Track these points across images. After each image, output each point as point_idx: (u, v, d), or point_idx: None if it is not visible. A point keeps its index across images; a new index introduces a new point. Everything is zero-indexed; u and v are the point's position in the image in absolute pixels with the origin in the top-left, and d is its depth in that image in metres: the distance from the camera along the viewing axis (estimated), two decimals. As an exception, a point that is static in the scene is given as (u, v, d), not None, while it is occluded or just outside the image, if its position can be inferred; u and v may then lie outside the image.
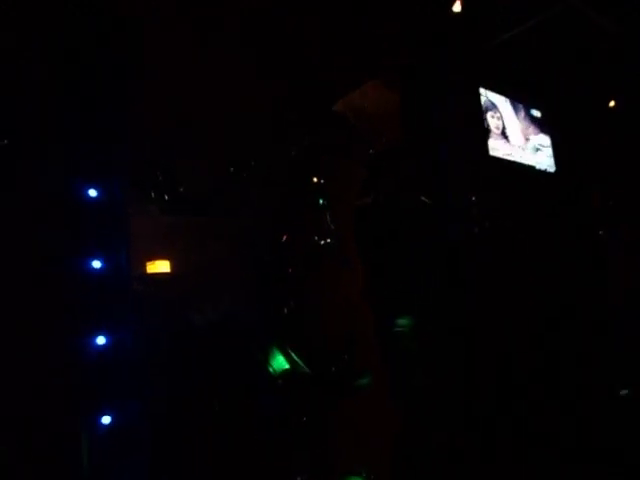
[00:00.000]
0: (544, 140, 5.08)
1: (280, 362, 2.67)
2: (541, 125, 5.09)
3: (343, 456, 2.77)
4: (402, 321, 2.38)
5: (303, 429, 2.73)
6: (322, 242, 3.35)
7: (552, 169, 5.03)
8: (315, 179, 3.63)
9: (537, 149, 4.95)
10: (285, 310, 2.86)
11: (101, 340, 2.18)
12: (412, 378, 2.31)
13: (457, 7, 3.54)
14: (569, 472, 2.71)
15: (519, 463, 2.80)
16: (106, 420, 2.14)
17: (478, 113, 4.40)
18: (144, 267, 2.85)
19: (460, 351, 3.35)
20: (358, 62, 3.51)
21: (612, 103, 5.31)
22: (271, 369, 2.64)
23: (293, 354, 2.69)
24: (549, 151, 5.08)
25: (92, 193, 2.30)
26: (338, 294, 3.51)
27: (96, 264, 2.25)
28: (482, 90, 4.46)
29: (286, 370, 2.65)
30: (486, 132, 4.39)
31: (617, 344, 4.62)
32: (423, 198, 2.57)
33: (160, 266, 2.84)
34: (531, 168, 4.80)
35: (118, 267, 2.29)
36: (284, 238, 3.07)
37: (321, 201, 3.31)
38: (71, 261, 2.18)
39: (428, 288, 2.49)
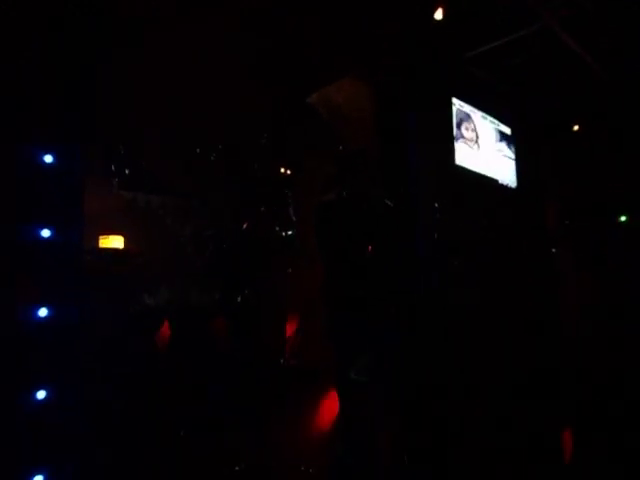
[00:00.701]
0: (509, 156, 5.20)
1: (230, 348, 2.64)
2: (508, 141, 5.21)
3: (283, 447, 2.76)
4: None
5: (247, 418, 2.71)
6: (283, 233, 3.33)
7: (514, 184, 5.16)
8: (282, 169, 3.61)
9: (502, 164, 5.07)
10: (238, 298, 2.83)
11: (43, 312, 2.09)
12: (357, 374, 2.32)
13: (439, 15, 3.56)
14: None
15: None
16: (41, 395, 2.06)
17: (449, 123, 4.47)
18: (97, 241, 2.76)
19: (413, 352, 3.41)
20: (333, 58, 3.51)
21: (576, 127, 5.49)
22: (220, 355, 2.61)
23: (243, 342, 2.66)
24: (513, 167, 5.21)
25: (47, 159, 2.20)
26: (295, 286, 3.51)
27: (45, 233, 2.16)
28: (456, 101, 4.53)
29: (234, 357, 2.62)
30: (455, 142, 4.46)
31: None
32: (386, 201, 2.58)
33: (114, 241, 2.75)
34: (494, 181, 4.91)
35: (69, 238, 2.20)
36: (245, 226, 3.03)
37: (286, 192, 3.29)
38: (18, 227, 2.09)
39: (385, 288, 2.51)
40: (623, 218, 6.16)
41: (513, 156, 5.24)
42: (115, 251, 2.76)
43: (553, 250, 5.54)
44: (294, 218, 3.23)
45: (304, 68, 3.55)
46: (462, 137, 4.52)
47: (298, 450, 2.78)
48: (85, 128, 2.36)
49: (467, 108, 4.65)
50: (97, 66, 2.37)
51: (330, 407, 2.44)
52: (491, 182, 4.85)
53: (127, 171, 2.68)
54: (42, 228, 2.15)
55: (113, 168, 2.68)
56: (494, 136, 5.00)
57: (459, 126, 4.51)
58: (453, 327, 3.98)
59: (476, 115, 4.77)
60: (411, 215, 3.40)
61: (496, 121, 5.04)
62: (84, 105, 2.30)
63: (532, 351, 3.84)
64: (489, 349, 4.00)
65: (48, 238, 2.16)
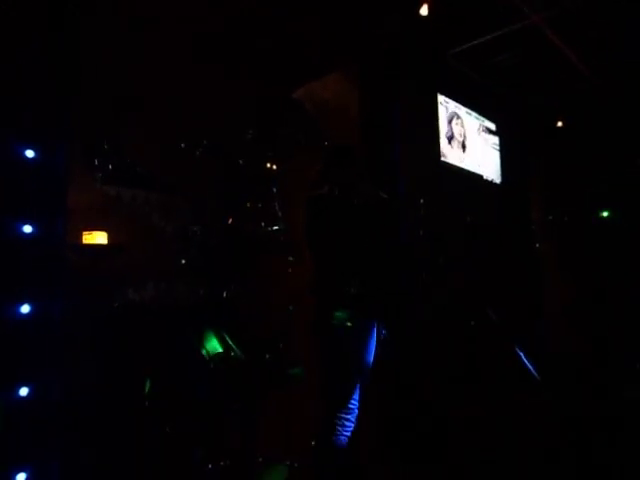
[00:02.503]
0: (494, 152, 5.25)
1: (214, 345, 2.63)
2: (493, 137, 5.26)
3: (268, 443, 2.77)
4: (340, 314, 2.39)
5: (232, 415, 2.71)
6: (269, 229, 3.33)
7: (498, 180, 5.21)
8: (268, 165, 3.60)
9: (487, 160, 5.11)
10: (224, 294, 2.82)
11: (25, 308, 2.07)
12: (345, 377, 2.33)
13: (424, 10, 3.57)
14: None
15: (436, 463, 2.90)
16: (23, 392, 2.05)
17: (434, 119, 4.49)
18: (80, 237, 2.74)
19: (397, 347, 3.43)
20: (320, 54, 3.50)
21: (560, 123, 5.55)
22: (204, 352, 2.60)
23: (228, 338, 2.66)
24: (497, 163, 5.26)
25: (29, 154, 2.18)
26: (281, 283, 3.51)
27: (27, 228, 2.13)
28: (441, 98, 4.56)
29: (219, 354, 2.62)
30: (440, 138, 4.48)
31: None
32: (381, 193, 2.57)
33: (97, 237, 2.73)
34: (479, 177, 4.95)
35: (51, 234, 2.18)
36: (230, 221, 3.02)
37: (272, 188, 3.28)
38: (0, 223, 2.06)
39: (375, 283, 2.51)
40: (605, 214, 6.25)
41: (498, 152, 5.29)
42: (99, 247, 2.74)
43: (537, 245, 5.60)
44: (280, 213, 3.23)
45: (290, 63, 3.54)
46: (447, 133, 4.55)
47: (283, 446, 2.80)
48: (68, 122, 2.34)
49: (452, 104, 4.68)
50: (79, 59, 2.34)
51: (315, 403, 2.45)
52: (476, 178, 4.90)
53: (110, 166, 2.65)
54: (24, 224, 2.13)
55: (96, 163, 2.65)
56: (479, 132, 5.04)
57: (444, 122, 4.54)
58: (438, 323, 4.01)
59: (461, 111, 4.80)
60: (396, 211, 3.41)
61: (481, 117, 5.09)
62: (67, 99, 2.27)
63: (515, 343, 3.88)
64: (474, 343, 4.05)
65: (30, 234, 2.14)
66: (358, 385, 2.36)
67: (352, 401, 2.33)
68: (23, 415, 2.05)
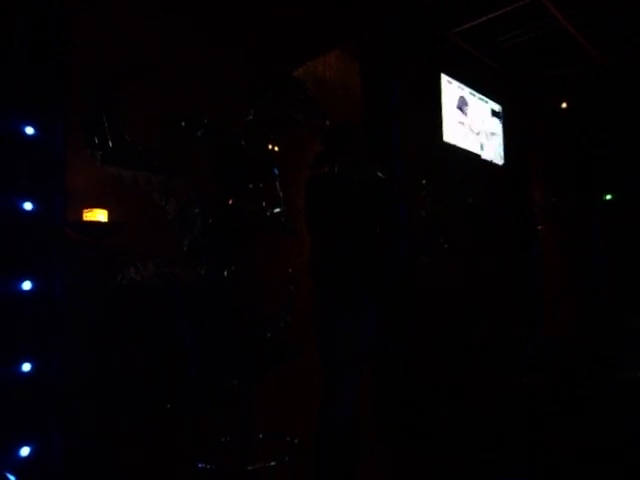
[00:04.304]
0: (497, 133, 5.21)
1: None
2: (497, 118, 5.22)
3: (268, 419, 2.80)
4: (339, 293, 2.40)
5: (232, 392, 2.74)
6: (270, 210, 3.31)
7: (501, 162, 5.18)
8: (270, 145, 3.58)
9: (490, 141, 5.08)
10: (225, 273, 2.83)
11: (27, 285, 2.08)
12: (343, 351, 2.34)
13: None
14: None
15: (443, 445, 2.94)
16: (26, 367, 2.07)
17: (437, 99, 4.45)
18: (81, 214, 2.74)
19: (397, 328, 3.45)
20: (320, 30, 3.46)
21: (564, 105, 5.50)
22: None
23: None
24: (500, 144, 5.23)
25: (29, 131, 2.17)
26: (282, 263, 3.52)
27: (27, 206, 2.13)
28: (444, 77, 4.51)
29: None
30: (443, 118, 4.45)
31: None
32: (379, 173, 2.57)
33: (98, 214, 2.73)
34: (482, 158, 4.93)
35: (51, 211, 2.18)
36: (230, 202, 3.01)
37: (273, 168, 3.26)
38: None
39: (374, 264, 2.52)
40: (609, 197, 6.23)
41: (501, 133, 5.25)
42: (99, 224, 2.75)
43: (539, 227, 5.60)
44: (281, 194, 3.21)
45: (291, 42, 3.50)
46: (450, 113, 4.51)
47: (283, 421, 2.83)
48: (65, 99, 2.32)
49: (456, 84, 4.64)
50: (74, 34, 2.32)
51: (314, 379, 2.48)
52: (478, 159, 4.87)
53: (110, 144, 2.63)
54: (24, 201, 2.13)
55: (96, 141, 2.64)
56: (482, 113, 5.00)
57: (447, 102, 4.50)
58: (438, 302, 4.03)
59: (465, 92, 4.76)
60: (396, 192, 3.41)
61: (485, 98, 5.04)
62: (65, 74, 2.25)
63: (511, 324, 3.91)
64: (470, 323, 4.07)
65: (30, 211, 2.14)
66: (357, 362, 2.38)
67: (351, 377, 2.35)
68: (25, 391, 2.07)
